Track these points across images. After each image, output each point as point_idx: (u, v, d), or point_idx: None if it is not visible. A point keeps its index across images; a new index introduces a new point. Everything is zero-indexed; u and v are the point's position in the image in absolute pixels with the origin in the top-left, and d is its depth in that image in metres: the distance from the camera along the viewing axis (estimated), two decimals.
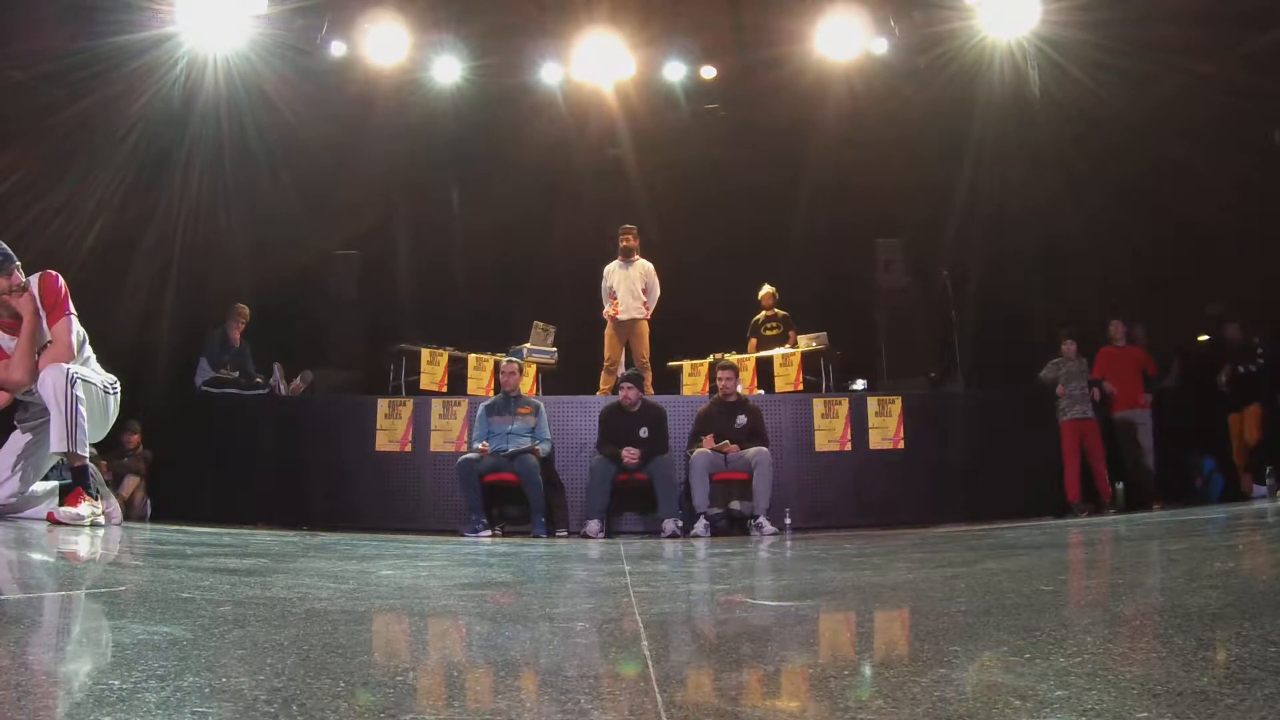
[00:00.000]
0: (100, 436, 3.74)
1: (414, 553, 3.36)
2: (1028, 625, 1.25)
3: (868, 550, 3.23)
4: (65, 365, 3.41)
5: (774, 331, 7.60)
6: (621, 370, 6.48)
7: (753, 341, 7.63)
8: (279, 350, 6.95)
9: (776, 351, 7.21)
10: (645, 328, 6.89)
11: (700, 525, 5.38)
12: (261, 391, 6.52)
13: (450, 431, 6.12)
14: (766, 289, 7.86)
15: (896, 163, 7.89)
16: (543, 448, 5.66)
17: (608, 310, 6.89)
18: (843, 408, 6.22)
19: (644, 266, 6.99)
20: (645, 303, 6.89)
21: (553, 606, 1.83)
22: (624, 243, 6.89)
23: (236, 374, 6.55)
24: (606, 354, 6.90)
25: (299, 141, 7.88)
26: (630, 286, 6.86)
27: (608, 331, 6.92)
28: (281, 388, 6.52)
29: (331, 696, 0.90)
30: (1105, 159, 7.36)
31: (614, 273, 6.92)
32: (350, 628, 1.42)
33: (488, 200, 9.04)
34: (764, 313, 7.80)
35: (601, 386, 6.83)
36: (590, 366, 7.30)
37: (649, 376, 6.76)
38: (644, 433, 5.63)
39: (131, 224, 7.61)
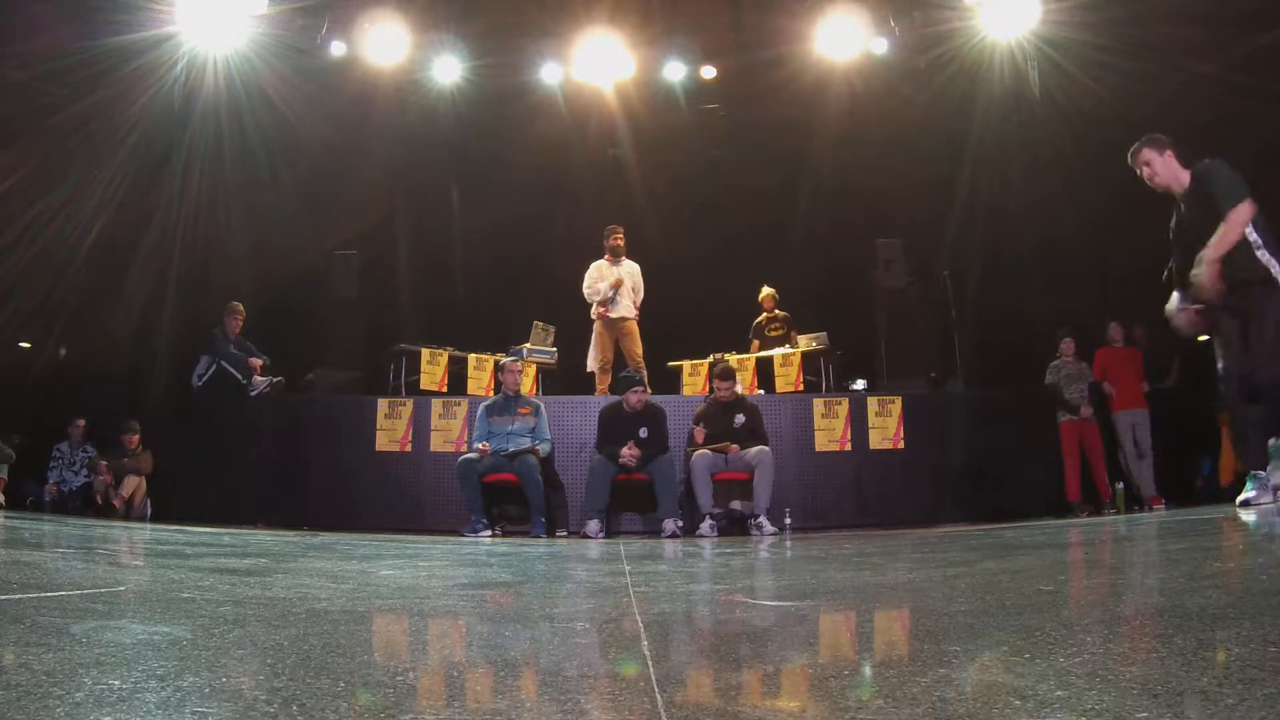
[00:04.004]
0: None
1: (414, 553, 3.36)
2: (1028, 625, 1.25)
3: (868, 550, 3.23)
4: None
5: (778, 332, 7.60)
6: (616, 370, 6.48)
7: (755, 343, 7.63)
8: (278, 350, 6.95)
9: (776, 351, 7.21)
10: (635, 327, 6.89)
11: (705, 525, 5.38)
12: (266, 381, 6.53)
13: (450, 431, 6.12)
14: (767, 290, 7.86)
15: (896, 163, 7.88)
16: (543, 448, 5.66)
17: (597, 310, 6.87)
18: (843, 408, 6.22)
19: (632, 266, 7.00)
20: (635, 301, 6.91)
21: (553, 606, 1.83)
22: (615, 242, 6.89)
23: (242, 366, 6.55)
24: (599, 354, 6.89)
25: (299, 141, 7.88)
26: (620, 287, 6.88)
27: (598, 331, 6.91)
28: (256, 388, 6.52)
29: (331, 696, 0.90)
30: (1105, 159, 7.34)
31: (605, 272, 6.90)
32: (350, 628, 1.42)
33: (488, 200, 9.03)
34: (765, 314, 7.81)
35: (598, 387, 6.82)
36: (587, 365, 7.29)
37: (644, 375, 6.77)
38: (644, 433, 5.63)
39: (131, 224, 7.62)
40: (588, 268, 7.05)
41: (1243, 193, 3.32)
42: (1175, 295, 3.62)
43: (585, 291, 6.93)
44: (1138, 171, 3.68)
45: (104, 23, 6.49)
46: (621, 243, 6.92)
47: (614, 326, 6.85)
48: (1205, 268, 3.28)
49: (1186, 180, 3.53)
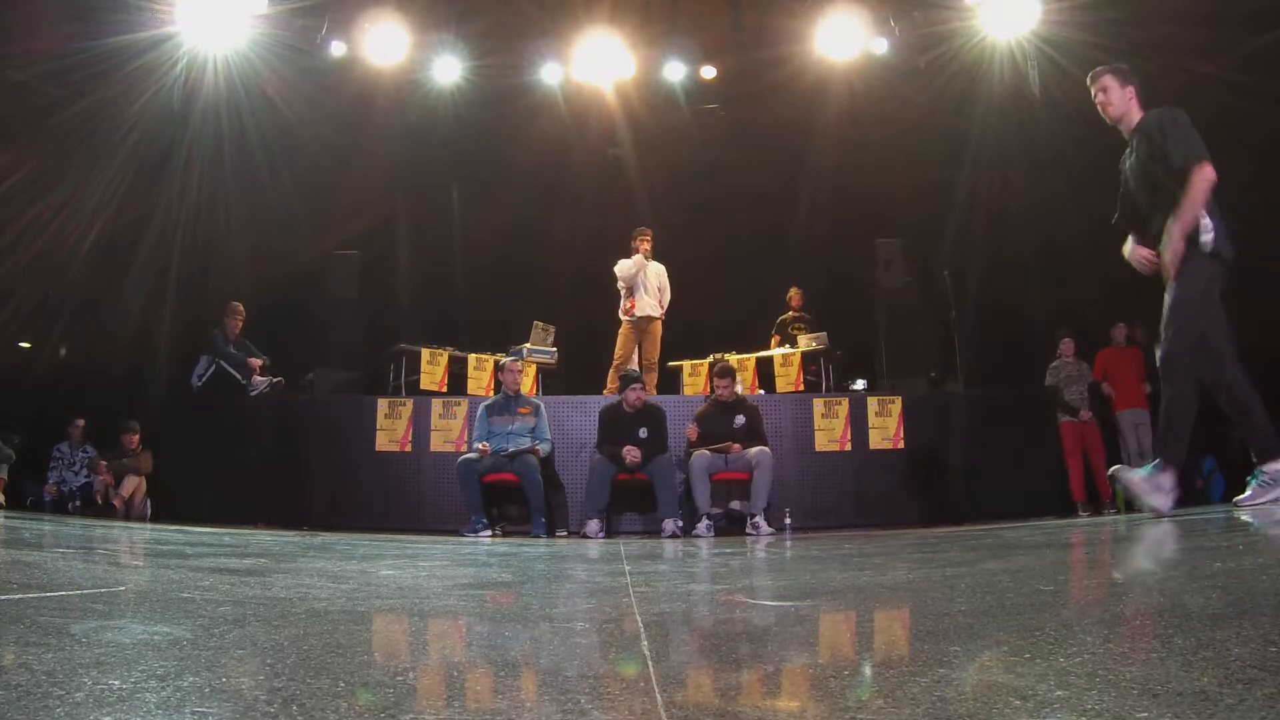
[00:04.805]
0: None
1: (414, 553, 3.36)
2: (1028, 625, 1.25)
3: (868, 550, 3.23)
4: None
5: (800, 331, 7.65)
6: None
7: (776, 339, 7.69)
8: (278, 350, 6.96)
9: (777, 352, 7.23)
10: (659, 327, 6.98)
11: (702, 525, 5.38)
12: (266, 381, 6.55)
13: (450, 431, 6.12)
14: (794, 290, 7.97)
15: (896, 163, 7.89)
16: (543, 448, 5.66)
17: (625, 306, 6.94)
18: (843, 408, 6.22)
19: (659, 267, 7.08)
20: (660, 301, 6.97)
21: (553, 606, 1.83)
22: (645, 245, 6.93)
23: (241, 367, 6.56)
24: (619, 351, 6.95)
25: (299, 141, 7.88)
26: (647, 285, 6.95)
27: (624, 330, 6.97)
28: (256, 388, 6.53)
29: (331, 696, 0.90)
30: (1105, 159, 7.35)
31: (634, 270, 6.94)
32: (350, 628, 1.42)
33: (488, 200, 9.03)
34: (791, 313, 7.89)
35: (609, 385, 6.84)
36: (590, 367, 7.29)
37: (654, 377, 6.80)
38: (643, 433, 5.63)
39: (131, 224, 7.62)
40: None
41: (1203, 151, 3.05)
42: (1131, 239, 3.43)
43: (616, 272, 6.99)
44: (1093, 95, 3.40)
45: (104, 23, 6.49)
46: (649, 245, 6.97)
47: (639, 327, 6.90)
48: (1173, 245, 3.04)
49: (1136, 121, 3.30)
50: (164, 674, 0.97)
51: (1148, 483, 3.17)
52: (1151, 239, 3.29)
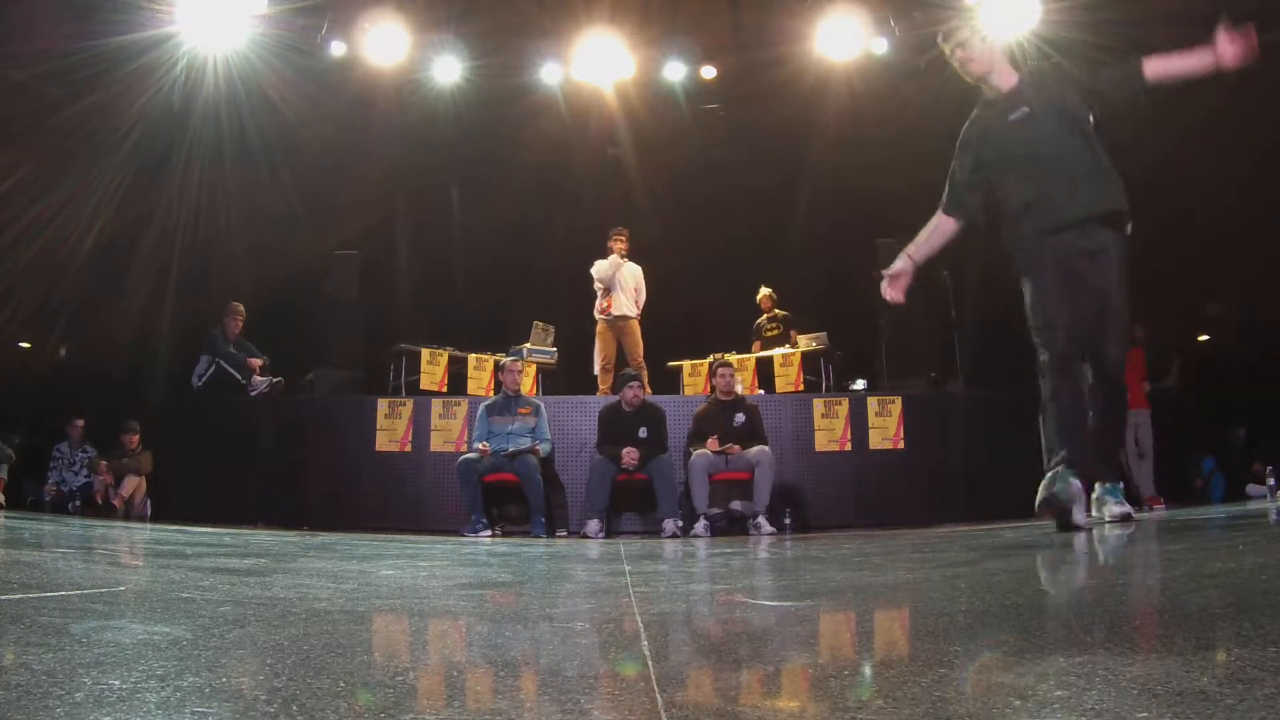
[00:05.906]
0: None
1: (414, 553, 3.36)
2: (1028, 625, 1.25)
3: (868, 550, 3.23)
4: None
5: (774, 332, 7.63)
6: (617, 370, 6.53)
7: (756, 345, 7.67)
8: (278, 350, 6.96)
9: (777, 351, 7.23)
10: (637, 326, 6.97)
11: (700, 525, 5.39)
12: (266, 381, 6.55)
13: (450, 431, 6.13)
14: (764, 291, 7.93)
15: (896, 163, 7.87)
16: (543, 448, 5.67)
17: (601, 306, 6.93)
18: (843, 408, 6.22)
19: (635, 268, 7.08)
20: (636, 301, 6.97)
21: (553, 606, 1.83)
22: (621, 245, 6.94)
23: (241, 367, 6.57)
24: (602, 353, 6.96)
25: (299, 141, 7.88)
26: (623, 285, 6.94)
27: (601, 330, 6.97)
28: (256, 388, 6.53)
29: (331, 696, 0.90)
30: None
31: (611, 271, 6.94)
32: (350, 628, 1.42)
33: (488, 200, 9.03)
34: (764, 315, 7.85)
35: (600, 386, 6.84)
36: (591, 367, 7.28)
37: (645, 374, 6.80)
38: (643, 433, 5.63)
39: (131, 224, 7.62)
40: (588, 268, 7.08)
41: None
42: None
43: (593, 273, 7.00)
44: (946, 51, 3.20)
45: (104, 23, 6.49)
46: (625, 245, 6.96)
47: (615, 326, 6.90)
48: None
49: (1014, 80, 3.13)
50: (164, 674, 0.97)
51: (1081, 510, 3.11)
52: (1057, 220, 2.99)
